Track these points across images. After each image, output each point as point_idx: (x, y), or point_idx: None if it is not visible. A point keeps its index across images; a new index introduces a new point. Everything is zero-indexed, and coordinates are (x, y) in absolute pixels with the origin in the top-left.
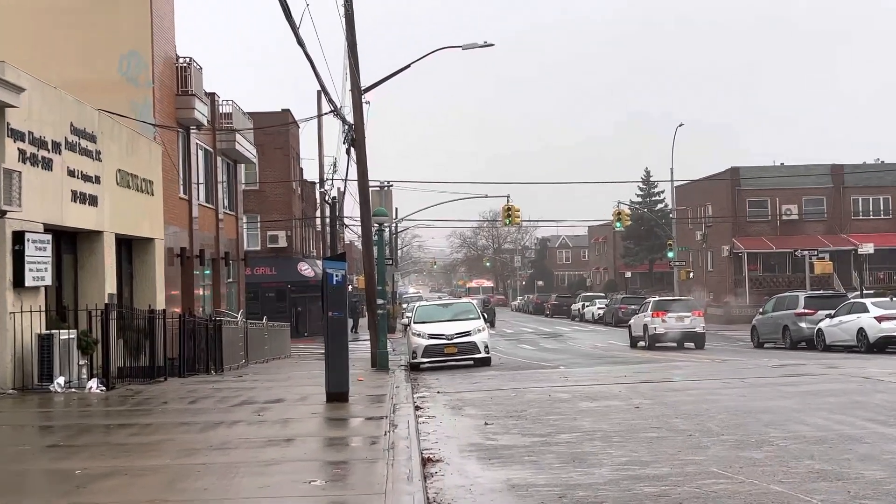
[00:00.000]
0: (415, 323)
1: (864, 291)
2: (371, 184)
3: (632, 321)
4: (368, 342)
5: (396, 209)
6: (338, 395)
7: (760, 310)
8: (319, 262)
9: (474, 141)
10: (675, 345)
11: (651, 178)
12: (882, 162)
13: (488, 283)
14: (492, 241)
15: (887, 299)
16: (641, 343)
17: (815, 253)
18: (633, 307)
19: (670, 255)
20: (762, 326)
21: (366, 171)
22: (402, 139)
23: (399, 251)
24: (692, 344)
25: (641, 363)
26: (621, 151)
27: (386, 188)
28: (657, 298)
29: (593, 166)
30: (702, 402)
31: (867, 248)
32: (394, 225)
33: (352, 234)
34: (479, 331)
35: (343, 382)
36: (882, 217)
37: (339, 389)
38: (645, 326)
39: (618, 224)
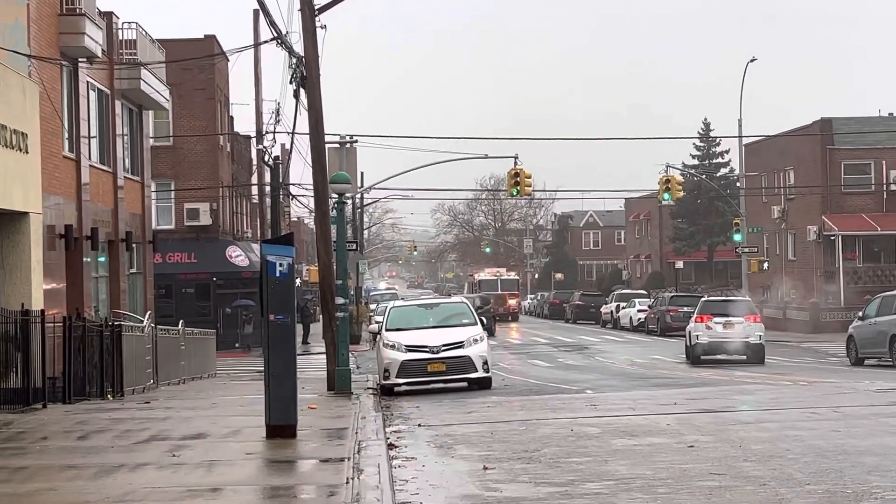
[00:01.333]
0: (387, 330)
1: None
2: (329, 139)
3: (688, 327)
4: (323, 356)
5: (362, 174)
6: (282, 429)
7: (860, 314)
8: (256, 247)
9: (471, 86)
10: (730, 357)
11: (711, 133)
12: None
13: (510, 275)
14: (493, 218)
15: None
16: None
17: None
18: (685, 309)
19: (737, 238)
20: (862, 336)
21: (321, 121)
22: (374, 82)
23: (366, 231)
24: (744, 357)
25: (697, 385)
26: (671, 98)
27: (349, 145)
28: (704, 299)
29: (633, 120)
30: (780, 440)
31: None
32: (359, 196)
33: (301, 209)
34: (476, 341)
35: (289, 411)
36: None
37: (284, 421)
38: (689, 335)
39: (665, 196)
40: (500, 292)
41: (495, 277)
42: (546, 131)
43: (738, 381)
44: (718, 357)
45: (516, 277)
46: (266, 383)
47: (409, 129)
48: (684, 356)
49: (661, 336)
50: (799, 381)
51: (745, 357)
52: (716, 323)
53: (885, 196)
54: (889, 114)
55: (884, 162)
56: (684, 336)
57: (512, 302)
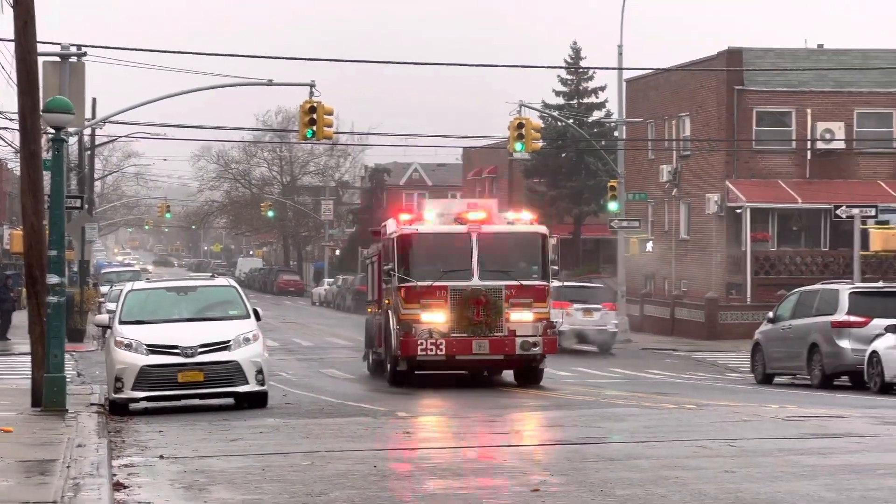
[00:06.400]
0: (122, 323)
1: None
2: (45, 49)
3: None
4: (29, 357)
5: (94, 102)
6: None
7: (770, 314)
8: None
9: None
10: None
11: (582, 63)
12: None
13: (518, 223)
14: (279, 170)
15: None
16: None
17: (874, 213)
18: None
19: (612, 207)
20: (772, 345)
21: (32, 21)
22: None
23: (99, 184)
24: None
25: (552, 408)
26: (529, 13)
27: (75, 59)
28: (558, 285)
29: (478, 42)
30: (655, 483)
31: None
32: (88, 132)
33: (3, 148)
34: (248, 341)
35: None
36: None
37: None
38: None
39: (518, 146)
40: (476, 282)
41: (464, 230)
42: (356, 52)
43: (606, 401)
44: (577, 348)
45: (540, 228)
46: None
47: (164, 41)
48: None
49: None
50: (686, 405)
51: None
52: (575, 310)
53: (809, 157)
54: (818, 45)
55: (809, 110)
56: None
57: (520, 315)
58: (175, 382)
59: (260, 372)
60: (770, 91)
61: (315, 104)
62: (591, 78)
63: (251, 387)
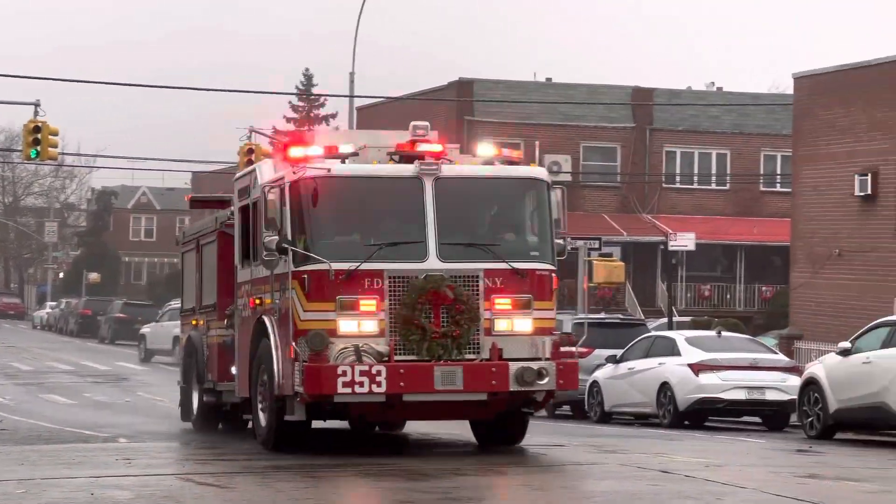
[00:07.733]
0: None
1: (676, 318)
2: None
3: None
4: None
5: None
6: None
7: None
8: None
9: None
10: None
11: (314, 90)
12: (718, 88)
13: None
14: (1, 190)
15: (712, 333)
16: None
17: (598, 245)
18: None
19: None
20: None
21: None
22: None
23: None
24: None
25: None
26: (263, 39)
27: None
28: None
29: (211, 68)
30: None
31: (684, 242)
32: None
33: None
34: None
35: None
36: (713, 188)
37: None
38: None
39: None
40: (434, 263)
41: (411, 172)
42: (83, 72)
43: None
44: None
45: (538, 172)
46: None
47: None
48: None
49: None
50: (409, 435)
51: None
52: None
53: None
54: (547, 79)
55: (537, 142)
56: None
57: (511, 322)
58: None
59: None
60: (499, 122)
61: (40, 124)
62: (322, 105)
63: None
